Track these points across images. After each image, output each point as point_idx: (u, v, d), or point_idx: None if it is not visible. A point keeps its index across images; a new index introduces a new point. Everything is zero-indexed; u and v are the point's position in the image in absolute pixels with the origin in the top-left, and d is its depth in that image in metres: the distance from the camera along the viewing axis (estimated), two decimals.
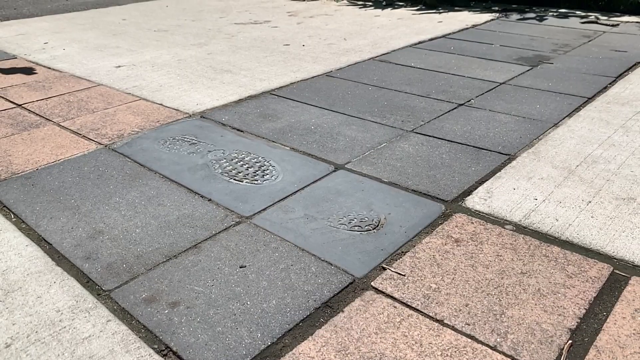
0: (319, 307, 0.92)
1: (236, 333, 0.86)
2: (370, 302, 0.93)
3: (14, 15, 3.88)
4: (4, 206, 1.27)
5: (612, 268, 1.00)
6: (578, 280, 0.97)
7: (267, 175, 1.39)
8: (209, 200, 1.28)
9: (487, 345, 0.82)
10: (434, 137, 1.62)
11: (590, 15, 3.39)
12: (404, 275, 0.99)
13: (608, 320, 0.87)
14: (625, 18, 3.30)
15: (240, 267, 1.03)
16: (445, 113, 1.81)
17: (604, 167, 1.39)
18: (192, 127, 1.74)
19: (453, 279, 0.98)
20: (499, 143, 1.56)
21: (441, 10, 3.74)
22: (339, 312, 0.91)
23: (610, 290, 0.94)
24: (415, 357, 0.80)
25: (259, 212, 1.22)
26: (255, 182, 1.36)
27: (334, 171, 1.42)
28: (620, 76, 2.15)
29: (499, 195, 1.27)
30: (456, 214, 1.20)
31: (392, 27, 3.21)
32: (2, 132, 1.71)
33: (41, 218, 1.21)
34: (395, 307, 0.91)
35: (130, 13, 3.91)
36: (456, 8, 3.83)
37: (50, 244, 1.12)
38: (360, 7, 3.94)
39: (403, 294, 0.95)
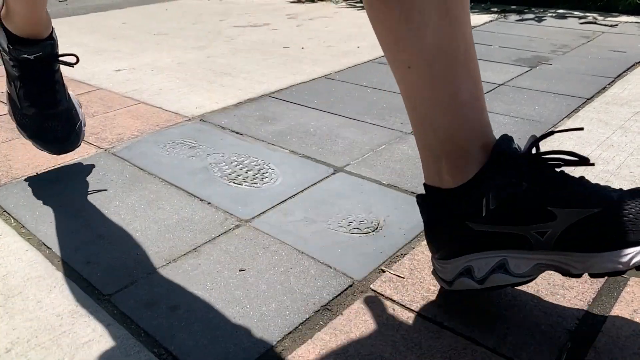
0: (319, 310, 0.92)
1: (236, 337, 0.86)
2: (370, 304, 0.93)
3: None
4: (4, 211, 1.27)
5: None
6: (577, 281, 0.97)
7: (267, 178, 1.40)
8: (209, 203, 1.28)
9: (487, 347, 0.82)
10: None
11: (589, 16, 3.40)
12: (403, 278, 1.00)
13: (607, 321, 0.87)
14: (624, 18, 3.31)
15: (239, 271, 1.03)
16: None
17: (603, 168, 1.39)
18: (192, 130, 1.74)
19: None
20: None
21: None
22: (338, 315, 0.91)
23: (608, 291, 0.94)
24: (415, 359, 0.81)
25: (259, 215, 1.23)
26: (255, 185, 1.37)
27: (334, 173, 1.42)
28: (619, 77, 2.15)
29: None
30: None
31: None
32: (2, 136, 1.72)
33: (41, 223, 1.22)
34: (394, 309, 0.92)
35: (130, 16, 3.92)
36: None
37: (50, 249, 1.12)
38: (359, 9, 3.95)
39: (402, 296, 0.95)
